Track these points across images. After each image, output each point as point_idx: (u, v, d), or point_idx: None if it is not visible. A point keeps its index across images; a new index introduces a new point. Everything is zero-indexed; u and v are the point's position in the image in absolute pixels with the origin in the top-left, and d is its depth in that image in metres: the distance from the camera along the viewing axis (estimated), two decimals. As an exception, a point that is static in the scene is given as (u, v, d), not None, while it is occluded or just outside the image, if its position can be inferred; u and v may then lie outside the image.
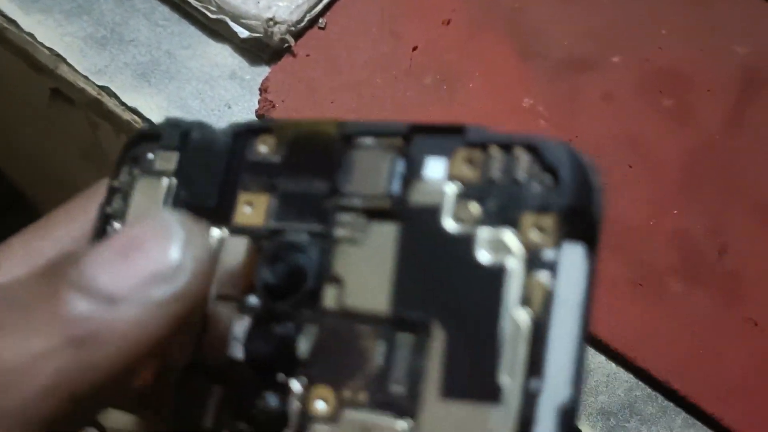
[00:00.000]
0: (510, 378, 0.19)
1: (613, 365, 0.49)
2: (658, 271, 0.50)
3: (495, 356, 0.20)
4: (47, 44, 0.55)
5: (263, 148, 0.25)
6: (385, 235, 0.22)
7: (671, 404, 0.48)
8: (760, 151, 0.54)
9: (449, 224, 0.21)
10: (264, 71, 0.55)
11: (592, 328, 0.49)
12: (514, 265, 0.20)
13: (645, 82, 0.56)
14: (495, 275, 0.20)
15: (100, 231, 0.26)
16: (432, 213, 0.22)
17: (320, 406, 0.22)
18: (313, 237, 0.23)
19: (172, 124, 0.26)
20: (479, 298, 0.20)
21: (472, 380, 0.20)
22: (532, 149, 0.21)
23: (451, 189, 0.22)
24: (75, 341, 0.18)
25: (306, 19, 0.55)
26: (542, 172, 0.21)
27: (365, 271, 0.22)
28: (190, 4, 0.55)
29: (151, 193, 0.25)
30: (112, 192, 0.26)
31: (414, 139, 0.23)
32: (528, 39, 0.57)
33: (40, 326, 0.18)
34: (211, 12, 0.54)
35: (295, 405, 0.22)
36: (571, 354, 0.20)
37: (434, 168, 0.22)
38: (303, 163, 0.24)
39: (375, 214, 0.22)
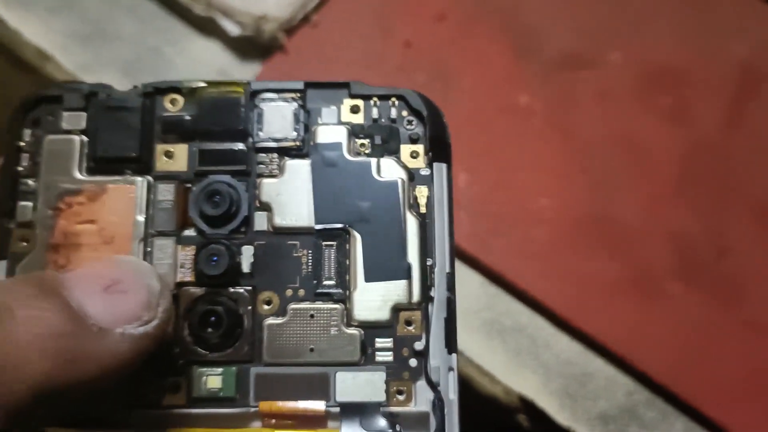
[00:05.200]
0: (413, 259, 0.28)
1: (613, 369, 0.48)
2: (656, 273, 0.50)
3: (401, 246, 0.28)
4: (33, 41, 0.53)
5: (172, 105, 0.29)
6: (298, 168, 0.29)
7: (671, 408, 0.47)
8: (758, 150, 0.53)
9: (348, 156, 0.29)
10: (254, 68, 0.54)
11: (592, 332, 0.48)
12: (402, 181, 0.28)
13: (642, 80, 0.55)
14: (391, 190, 0.28)
15: (10, 190, 0.28)
16: (333, 149, 0.29)
17: (267, 306, 0.28)
18: (238, 175, 0.29)
19: (70, 87, 0.29)
20: (382, 207, 0.28)
21: (387, 265, 0.28)
22: (401, 98, 0.29)
23: (344, 130, 0.29)
24: (59, 355, 0.21)
25: (298, 16, 0.54)
26: (410, 114, 0.29)
27: (287, 197, 0.28)
28: (177, 0, 0.54)
29: (62, 151, 0.28)
30: (17, 152, 0.28)
31: (309, 94, 0.29)
32: (523, 36, 0.56)
33: (25, 334, 0.21)
34: (200, 8, 0.53)
35: (246, 308, 0.28)
36: (447, 237, 0.28)
37: (328, 115, 0.29)
38: (218, 117, 0.29)
39: (287, 152, 0.29)
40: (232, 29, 0.52)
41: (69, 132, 0.28)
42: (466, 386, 0.48)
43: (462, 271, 0.51)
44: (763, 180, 0.52)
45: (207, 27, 0.54)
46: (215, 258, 0.28)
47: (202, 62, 0.54)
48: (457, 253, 0.51)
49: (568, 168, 0.52)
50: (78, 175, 0.28)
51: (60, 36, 0.54)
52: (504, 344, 0.49)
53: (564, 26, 0.56)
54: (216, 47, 0.54)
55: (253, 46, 0.54)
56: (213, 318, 0.27)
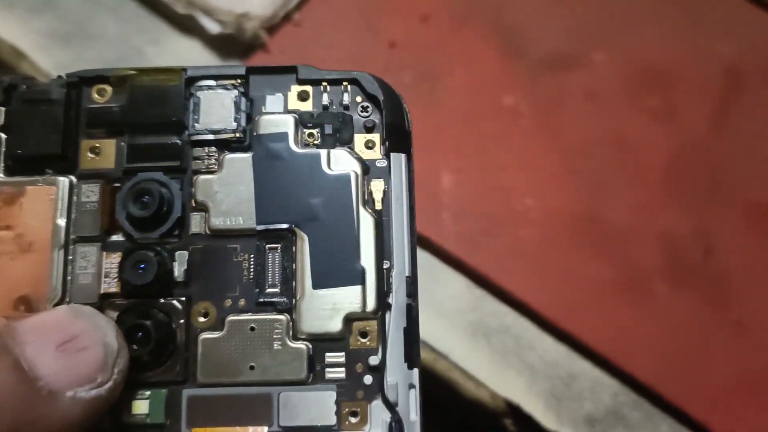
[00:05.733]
0: (367, 262, 0.25)
1: (598, 371, 0.48)
2: (643, 274, 0.49)
3: (354, 247, 0.25)
4: (10, 40, 0.53)
5: (99, 96, 0.26)
6: (239, 162, 0.26)
7: (657, 410, 0.47)
8: (745, 150, 0.53)
9: (295, 148, 0.26)
10: (236, 68, 0.53)
11: (578, 333, 0.48)
12: (356, 174, 0.25)
13: (629, 81, 0.54)
14: (342, 184, 0.25)
15: None
16: (278, 140, 0.26)
17: (203, 318, 0.25)
18: (171, 171, 0.26)
19: None
20: (333, 203, 0.25)
21: (338, 270, 0.25)
22: (354, 82, 0.26)
23: (291, 119, 0.26)
24: (9, 421, 0.20)
25: (280, 14, 0.53)
26: (365, 100, 0.26)
27: (226, 196, 0.25)
28: (158, -2, 0.53)
29: None
30: None
31: (252, 80, 0.26)
32: (510, 36, 0.55)
33: None
34: (180, 6, 0.52)
35: (179, 322, 0.25)
36: (407, 236, 0.25)
37: (274, 103, 0.26)
38: (150, 108, 0.26)
39: (227, 145, 0.26)
40: (213, 27, 0.52)
41: None
42: (451, 391, 0.48)
43: (447, 273, 0.50)
44: (750, 180, 0.52)
45: (189, 26, 0.54)
46: (142, 265, 0.25)
47: (184, 62, 0.53)
48: (441, 255, 0.50)
49: (554, 168, 0.52)
50: None
51: (41, 36, 0.53)
52: (489, 346, 0.49)
53: (551, 26, 0.56)
54: (198, 47, 0.54)
55: (235, 45, 0.53)
56: (140, 334, 0.24)
